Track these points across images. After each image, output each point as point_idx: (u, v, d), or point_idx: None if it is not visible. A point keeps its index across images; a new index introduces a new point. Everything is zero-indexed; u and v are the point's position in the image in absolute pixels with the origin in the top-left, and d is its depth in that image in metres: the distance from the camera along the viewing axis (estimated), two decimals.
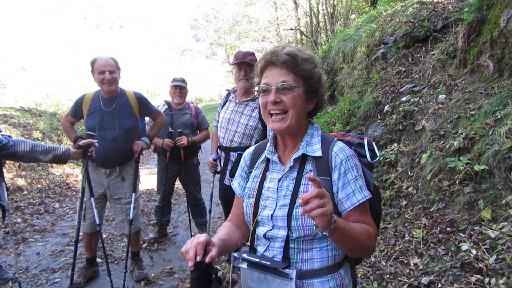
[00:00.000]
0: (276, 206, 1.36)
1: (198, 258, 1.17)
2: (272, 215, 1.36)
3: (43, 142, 7.92)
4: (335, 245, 1.34)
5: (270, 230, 1.37)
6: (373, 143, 1.53)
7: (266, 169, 1.47)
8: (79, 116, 3.44)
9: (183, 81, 4.51)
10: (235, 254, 1.33)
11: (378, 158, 1.50)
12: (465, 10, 4.81)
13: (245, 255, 1.31)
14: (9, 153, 2.33)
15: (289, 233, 1.32)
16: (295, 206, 1.31)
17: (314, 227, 1.19)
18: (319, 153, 1.36)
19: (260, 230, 1.40)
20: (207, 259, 1.18)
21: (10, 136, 2.41)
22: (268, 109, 1.35)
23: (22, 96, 14.46)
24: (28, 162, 3.51)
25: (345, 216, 1.32)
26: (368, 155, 1.47)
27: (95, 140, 2.94)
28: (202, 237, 1.22)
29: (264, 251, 1.40)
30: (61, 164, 6.52)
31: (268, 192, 1.41)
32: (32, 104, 12.81)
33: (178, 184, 4.95)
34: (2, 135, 2.36)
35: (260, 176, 1.47)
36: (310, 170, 1.35)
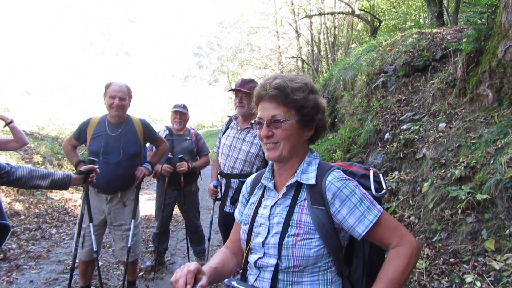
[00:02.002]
0: (268, 234, 1.35)
1: (189, 287, 1.15)
2: (263, 243, 1.35)
3: (42, 167, 7.91)
4: (327, 280, 1.31)
5: (261, 258, 1.35)
6: (380, 175, 1.46)
7: (262, 196, 1.47)
8: (82, 139, 3.44)
9: (184, 107, 4.54)
10: (225, 281, 1.31)
11: (384, 191, 1.41)
12: (464, 40, 4.89)
13: (234, 283, 1.28)
14: (11, 179, 2.31)
15: (278, 261, 1.29)
16: (286, 235, 1.29)
17: None
18: (312, 181, 1.34)
19: (252, 258, 1.38)
20: None
21: (9, 164, 2.39)
22: (263, 141, 1.39)
23: (25, 120, 14.55)
24: (27, 189, 3.49)
25: (366, 237, 1.29)
26: (373, 187, 1.40)
27: (97, 166, 2.90)
28: (192, 265, 1.21)
29: (254, 281, 1.37)
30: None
31: (261, 218, 1.40)
32: (35, 128, 12.88)
33: (176, 210, 4.90)
34: (6, 164, 2.34)
35: (256, 202, 1.46)
36: (305, 199, 1.34)
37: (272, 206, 1.38)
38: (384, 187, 1.42)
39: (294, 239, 1.28)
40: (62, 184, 2.54)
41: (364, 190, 1.32)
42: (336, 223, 1.30)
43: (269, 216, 1.37)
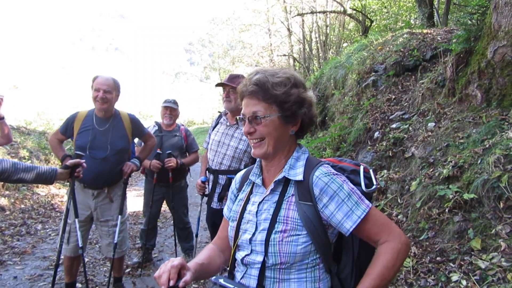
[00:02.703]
0: (256, 230, 1.33)
1: (172, 283, 1.14)
2: (251, 239, 1.33)
3: (29, 162, 7.78)
4: (315, 277, 1.29)
5: (248, 255, 1.33)
6: (371, 170, 1.44)
7: (251, 192, 1.45)
8: (69, 134, 3.37)
9: (174, 102, 4.50)
10: (212, 279, 1.29)
11: (374, 187, 1.38)
12: (454, 41, 4.92)
13: (221, 281, 1.26)
14: None
15: (265, 258, 1.28)
16: (273, 231, 1.28)
17: None
18: (300, 177, 1.32)
19: (239, 255, 1.37)
20: (180, 284, 1.15)
21: None
22: (248, 137, 1.38)
23: (13, 115, 14.32)
24: (12, 183, 3.39)
25: (355, 233, 1.27)
26: (363, 183, 1.37)
27: (83, 160, 2.84)
28: (176, 260, 1.19)
29: (241, 278, 1.36)
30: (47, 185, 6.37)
31: (249, 215, 1.38)
32: (22, 123, 12.67)
33: (165, 207, 4.85)
34: None
35: (245, 199, 1.44)
36: (292, 195, 1.32)
37: (260, 203, 1.37)
38: (375, 183, 1.39)
39: (281, 235, 1.26)
40: (47, 178, 2.48)
41: (352, 185, 1.30)
42: (323, 219, 1.28)
43: (256, 212, 1.35)
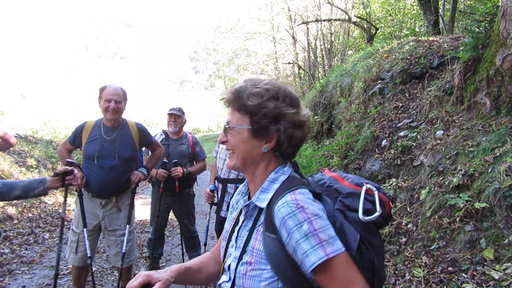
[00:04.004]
0: (234, 257, 1.23)
1: None
2: (229, 266, 1.23)
3: (36, 171, 7.81)
4: None
5: (226, 281, 1.23)
6: (376, 193, 1.18)
7: (241, 211, 1.32)
8: (77, 143, 3.38)
9: (179, 110, 4.48)
10: None
11: (374, 215, 1.13)
12: (461, 48, 4.91)
13: None
14: None
15: None
16: (241, 262, 1.16)
17: None
18: (264, 204, 1.17)
19: (221, 278, 1.28)
20: None
21: None
22: None
23: (19, 123, 14.44)
24: (9, 200, 3.40)
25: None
26: (361, 210, 1.13)
27: (71, 168, 2.72)
28: (139, 277, 1.16)
29: None
30: (45, 196, 6.36)
31: (234, 238, 1.28)
32: (29, 132, 12.77)
33: (172, 215, 4.84)
34: None
35: (235, 218, 1.33)
36: (262, 223, 1.18)
37: (240, 227, 1.25)
38: (378, 209, 1.13)
39: (246, 268, 1.14)
40: (38, 189, 2.42)
41: (318, 225, 1.05)
42: (289, 253, 1.09)
43: (236, 237, 1.25)
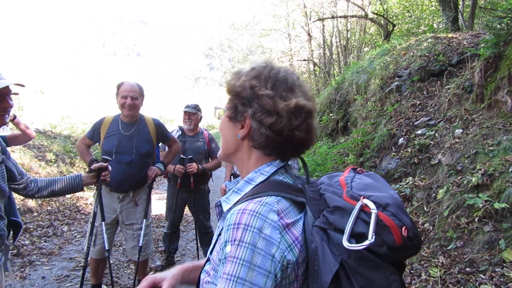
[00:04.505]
0: None
1: None
2: None
3: (55, 165, 7.97)
4: None
5: None
6: (373, 213, 0.83)
7: None
8: (96, 139, 3.45)
9: (194, 107, 4.48)
10: None
11: (365, 244, 0.80)
12: (482, 45, 4.81)
13: None
14: (27, 187, 2.27)
15: None
16: (203, 269, 1.00)
17: None
18: (226, 207, 1.01)
19: None
20: None
21: (28, 177, 2.37)
22: None
23: (38, 119, 14.75)
24: (45, 197, 3.47)
25: None
26: (346, 233, 0.83)
27: (106, 164, 2.74)
28: (144, 282, 1.12)
29: None
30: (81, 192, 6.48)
31: None
32: (47, 127, 13.03)
33: (187, 210, 4.89)
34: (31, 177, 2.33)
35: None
36: None
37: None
38: (369, 237, 0.80)
39: (204, 277, 0.98)
40: (74, 185, 2.47)
41: (245, 256, 0.81)
42: None
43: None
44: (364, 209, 0.86)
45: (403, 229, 0.82)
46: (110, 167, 2.68)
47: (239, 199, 0.97)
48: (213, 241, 1.00)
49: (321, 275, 0.86)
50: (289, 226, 0.88)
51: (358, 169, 1.08)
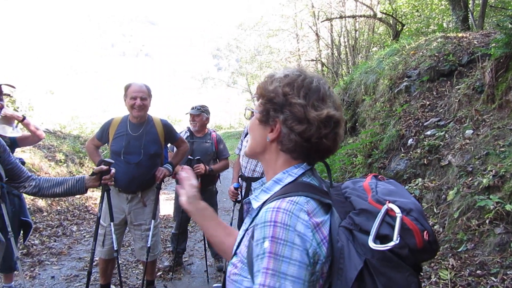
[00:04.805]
0: None
1: None
2: None
3: (64, 165, 8.04)
4: None
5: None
6: (398, 216, 0.90)
7: None
8: (105, 140, 3.47)
9: (198, 109, 4.46)
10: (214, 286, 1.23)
11: (387, 245, 0.86)
12: (493, 45, 4.75)
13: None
14: (28, 185, 2.28)
15: None
16: (230, 262, 1.06)
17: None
18: (256, 205, 1.07)
19: None
20: None
21: (31, 174, 2.37)
22: None
23: (48, 119, 14.90)
24: (47, 197, 3.45)
25: None
26: (372, 235, 0.89)
27: (106, 167, 2.62)
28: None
29: None
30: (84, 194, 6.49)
31: None
32: (57, 127, 13.16)
33: None
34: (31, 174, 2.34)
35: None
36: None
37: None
38: (395, 239, 0.86)
39: (231, 270, 1.03)
40: (76, 188, 2.43)
41: (281, 252, 0.88)
42: None
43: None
44: (389, 213, 0.92)
45: (425, 233, 0.90)
46: (113, 170, 2.62)
47: (268, 198, 1.04)
48: (239, 237, 1.08)
49: (346, 273, 0.91)
50: (319, 225, 0.94)
51: (379, 176, 1.13)
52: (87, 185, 2.48)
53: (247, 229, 1.05)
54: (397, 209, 0.91)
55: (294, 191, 0.99)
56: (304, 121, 1.03)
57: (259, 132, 1.13)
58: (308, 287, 0.87)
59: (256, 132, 1.14)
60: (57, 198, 6.93)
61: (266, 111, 1.09)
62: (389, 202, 0.94)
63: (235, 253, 1.05)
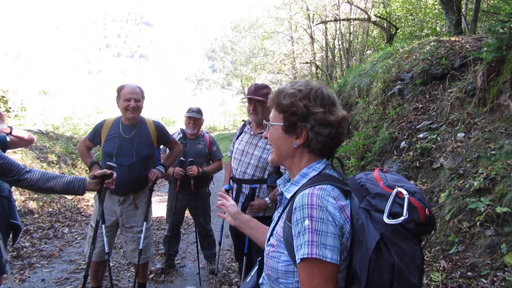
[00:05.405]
0: None
1: None
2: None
3: (57, 166, 7.98)
4: None
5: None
6: (406, 197, 1.16)
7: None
8: (97, 141, 3.44)
9: (198, 111, 4.45)
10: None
11: (399, 219, 1.12)
12: (484, 49, 4.80)
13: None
14: (21, 179, 2.25)
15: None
16: (268, 243, 1.34)
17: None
18: (289, 195, 1.32)
19: None
20: None
21: (24, 166, 2.33)
22: None
23: (41, 120, 14.77)
24: (41, 192, 3.35)
25: None
26: (386, 212, 1.15)
27: (109, 171, 2.59)
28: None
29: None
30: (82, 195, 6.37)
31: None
32: (50, 128, 13.05)
33: (188, 213, 4.88)
34: (23, 165, 2.31)
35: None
36: (287, 212, 1.32)
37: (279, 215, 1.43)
38: (404, 214, 1.12)
39: (269, 249, 1.30)
40: (75, 188, 2.37)
41: (319, 227, 1.12)
42: None
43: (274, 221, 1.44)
44: (398, 195, 1.18)
45: (426, 210, 1.17)
46: (115, 174, 2.58)
47: (298, 189, 1.28)
48: (274, 222, 1.39)
49: (366, 244, 1.13)
50: (343, 207, 1.18)
51: (384, 169, 1.40)
52: (87, 188, 2.44)
53: (280, 215, 1.35)
54: (405, 192, 1.18)
55: (320, 181, 1.23)
56: (328, 125, 1.29)
57: (283, 141, 1.36)
58: (339, 255, 1.12)
59: (281, 141, 1.37)
60: (49, 200, 6.87)
61: (292, 123, 1.32)
62: (398, 187, 1.20)
63: (271, 234, 1.33)
